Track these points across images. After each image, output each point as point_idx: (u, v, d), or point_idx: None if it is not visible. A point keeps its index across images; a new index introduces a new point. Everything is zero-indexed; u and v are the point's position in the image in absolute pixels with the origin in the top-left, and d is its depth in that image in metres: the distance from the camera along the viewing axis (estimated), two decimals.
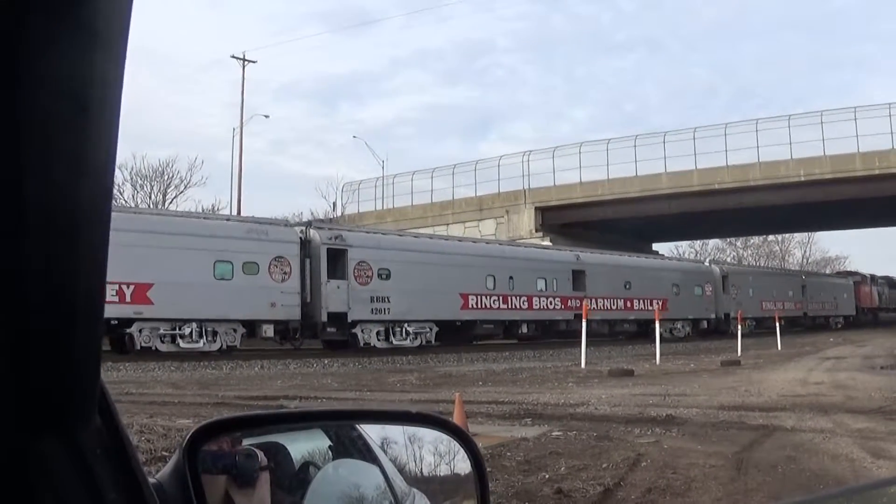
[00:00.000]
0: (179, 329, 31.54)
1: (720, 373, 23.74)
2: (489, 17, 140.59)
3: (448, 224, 59.37)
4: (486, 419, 13.39)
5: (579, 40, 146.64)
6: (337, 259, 36.50)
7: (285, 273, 34.57)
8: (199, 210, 56.88)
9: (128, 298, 29.56)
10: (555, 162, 59.44)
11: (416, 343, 38.77)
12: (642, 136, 57.98)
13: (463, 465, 1.96)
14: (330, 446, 1.96)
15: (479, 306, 42.40)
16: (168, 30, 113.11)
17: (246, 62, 59.72)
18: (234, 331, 33.36)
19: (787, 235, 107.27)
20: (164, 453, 8.78)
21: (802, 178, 50.70)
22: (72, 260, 1.02)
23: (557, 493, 7.77)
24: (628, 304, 50.65)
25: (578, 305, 40.89)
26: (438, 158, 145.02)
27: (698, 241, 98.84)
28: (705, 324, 56.26)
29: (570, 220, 59.13)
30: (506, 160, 61.70)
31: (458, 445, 1.97)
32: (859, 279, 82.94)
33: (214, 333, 32.61)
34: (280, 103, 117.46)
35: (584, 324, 28.37)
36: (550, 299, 46.05)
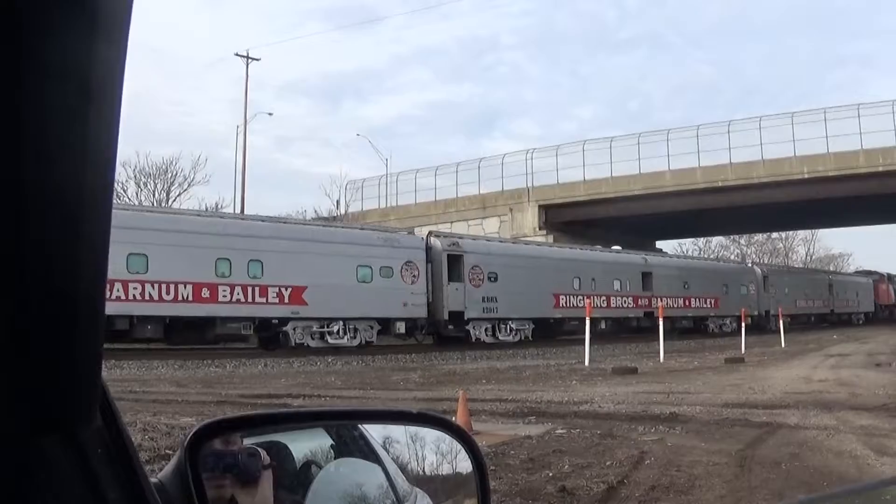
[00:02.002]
0: (328, 327, 35.65)
1: (724, 370, 23.72)
2: (493, 13, 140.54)
3: (452, 222, 59.34)
4: (490, 417, 13.39)
5: (584, 37, 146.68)
6: (454, 264, 40.99)
7: (414, 276, 39.10)
8: (204, 208, 56.81)
9: (286, 300, 34.09)
10: (558, 160, 59.41)
11: (517, 339, 42.79)
12: (646, 133, 57.95)
13: (465, 464, 1.96)
14: (332, 445, 1.96)
15: (568, 305, 46.34)
16: (171, 27, 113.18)
17: (250, 60, 59.75)
18: (371, 328, 37.54)
19: (790, 233, 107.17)
20: (168, 451, 8.79)
21: (806, 176, 50.64)
22: (72, 259, 1.02)
23: (561, 491, 7.77)
24: (686, 303, 54.93)
25: (647, 304, 50.51)
26: (442, 156, 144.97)
27: (702, 239, 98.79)
28: (749, 320, 55.65)
29: (573, 218, 59.10)
30: (509, 158, 61.74)
31: (459, 444, 1.97)
32: (878, 278, 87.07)
33: (355, 330, 36.71)
34: (283, 100, 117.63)
35: (587, 322, 28.42)
36: (624, 298, 50.48)
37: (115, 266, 28.60)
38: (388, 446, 2.01)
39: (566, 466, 8.90)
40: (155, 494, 1.25)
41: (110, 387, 1.22)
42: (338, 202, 69.98)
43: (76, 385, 1.09)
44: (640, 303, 51.26)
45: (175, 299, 31.51)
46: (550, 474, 8.53)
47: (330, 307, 35.51)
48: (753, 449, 9.88)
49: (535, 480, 8.26)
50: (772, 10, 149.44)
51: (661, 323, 31.01)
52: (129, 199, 57.59)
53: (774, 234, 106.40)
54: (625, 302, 50.40)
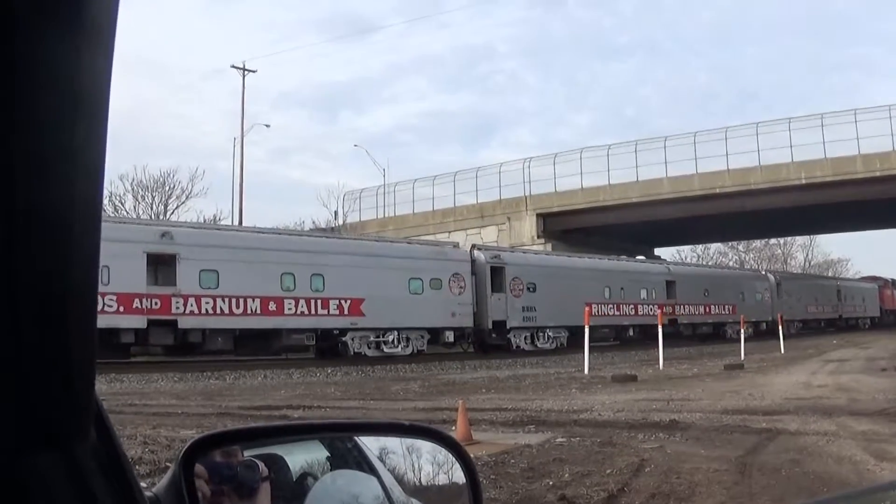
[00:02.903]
0: (383, 336, 37.53)
1: (723, 377, 23.72)
2: (489, 22, 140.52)
3: (450, 231, 59.33)
4: (490, 426, 13.39)
5: (579, 45, 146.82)
6: (496, 275, 43.04)
7: (461, 287, 41.11)
8: (202, 221, 56.84)
9: (345, 311, 36.17)
10: (556, 168, 59.34)
11: (553, 346, 44.42)
12: (643, 140, 57.86)
13: (461, 475, 1.97)
14: (328, 457, 1.97)
15: (600, 314, 46.56)
16: (166, 40, 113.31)
17: (246, 71, 59.80)
18: (422, 337, 39.31)
19: (788, 238, 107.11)
20: (168, 464, 8.75)
21: (804, 181, 50.59)
22: (63, 273, 1.02)
23: (562, 500, 7.77)
24: (707, 310, 56.87)
25: (672, 311, 52.52)
26: (439, 165, 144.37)
27: (700, 246, 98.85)
28: (764, 325, 60.08)
29: (571, 227, 59.05)
30: (507, 167, 61.71)
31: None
32: (882, 283, 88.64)
33: (407, 339, 38.53)
34: (280, 111, 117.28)
35: (587, 330, 28.52)
36: (650, 306, 51.18)
37: (189, 282, 31.82)
38: (384, 458, 2.02)
39: (566, 475, 8.90)
40: None
41: (110, 400, 1.23)
42: (336, 213, 70.08)
43: (70, 400, 1.10)
44: (664, 310, 50.53)
45: (244, 313, 33.30)
46: (550, 483, 8.52)
47: (385, 318, 37.34)
48: (753, 455, 9.88)
49: (535, 489, 8.25)
50: (768, 15, 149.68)
51: (660, 330, 31.04)
52: (127, 212, 57.63)
53: (772, 240, 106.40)
54: (651, 310, 51.14)
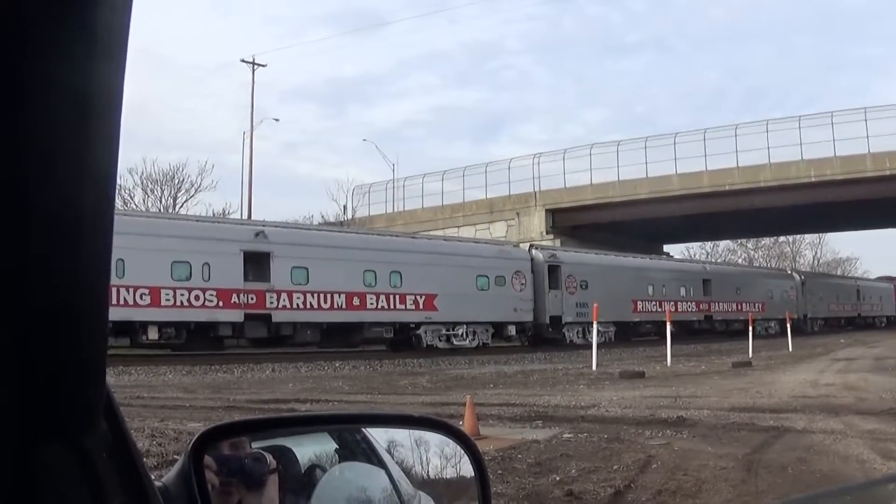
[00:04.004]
0: (453, 330, 40.38)
1: (731, 374, 23.68)
2: (499, 18, 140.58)
3: (459, 227, 59.33)
4: (498, 421, 13.40)
5: (590, 42, 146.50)
6: (553, 273, 45.81)
7: (522, 285, 43.95)
8: (211, 214, 56.87)
9: (420, 306, 38.98)
10: (565, 164, 59.41)
11: (602, 340, 43.39)
12: (653, 137, 57.82)
13: (469, 468, 1.97)
14: (336, 449, 1.97)
15: (644, 310, 51.43)
16: (175, 34, 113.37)
17: (256, 66, 59.81)
18: (486, 331, 42.24)
19: (797, 237, 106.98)
20: (176, 457, 8.74)
21: (813, 179, 50.51)
22: (75, 265, 1.02)
23: (568, 496, 7.77)
24: (739, 307, 58.87)
25: (707, 308, 56.47)
26: (449, 160, 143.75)
27: (709, 243, 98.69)
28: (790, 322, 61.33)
29: (580, 222, 59.03)
30: (516, 162, 61.66)
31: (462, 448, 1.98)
32: None
33: (474, 333, 41.45)
34: (289, 105, 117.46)
35: (594, 326, 28.55)
36: (688, 303, 55.44)
37: (282, 278, 34.26)
38: (392, 450, 2.02)
39: (573, 471, 8.90)
40: (159, 498, 1.26)
41: (118, 392, 1.23)
42: (345, 207, 70.13)
43: (81, 391, 1.10)
44: (700, 307, 56.31)
45: (331, 307, 36.11)
46: (557, 478, 8.52)
47: (455, 312, 40.25)
48: (760, 453, 9.86)
49: (542, 485, 8.25)
50: (778, 13, 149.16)
51: (668, 327, 30.97)
52: (136, 206, 57.69)
53: (781, 238, 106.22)
54: (689, 307, 55.22)
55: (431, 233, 51.99)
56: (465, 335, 40.91)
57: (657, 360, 30.34)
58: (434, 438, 2.03)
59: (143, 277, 30.22)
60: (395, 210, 65.92)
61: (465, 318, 40.87)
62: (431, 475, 2.05)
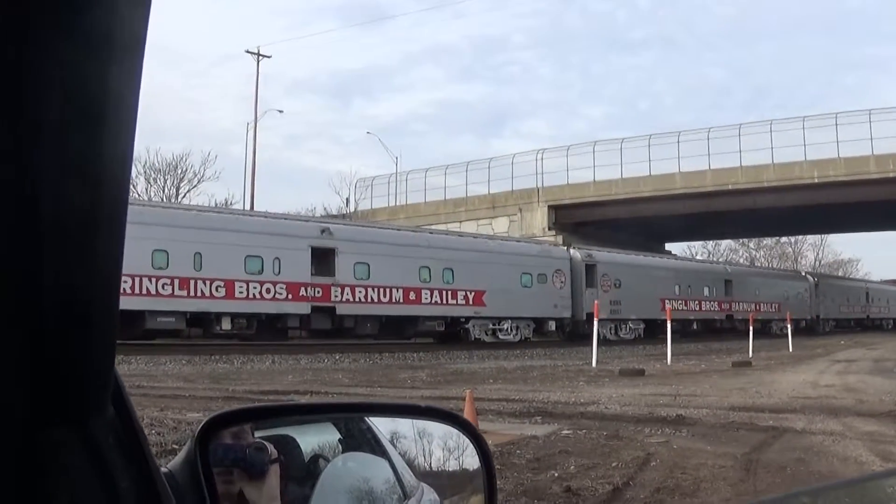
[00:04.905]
0: (499, 324, 42.87)
1: (731, 374, 23.69)
2: (504, 13, 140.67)
3: (461, 221, 59.31)
4: (497, 417, 13.40)
5: (595, 37, 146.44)
6: (589, 272, 48.14)
7: (562, 282, 46.40)
8: (214, 204, 56.90)
9: (470, 301, 41.56)
10: (568, 160, 59.32)
11: (632, 336, 49.38)
12: (656, 135, 57.71)
13: (472, 460, 1.97)
14: (340, 439, 1.97)
15: (671, 308, 48.32)
16: (180, 24, 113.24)
17: (260, 57, 59.76)
18: (528, 326, 44.58)
19: (799, 237, 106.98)
20: (175, 446, 8.80)
21: (816, 180, 50.45)
22: (87, 254, 1.02)
23: (567, 492, 7.78)
24: (757, 307, 60.14)
25: (728, 307, 59.21)
26: (452, 155, 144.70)
27: (711, 242, 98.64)
28: (804, 323, 66.48)
29: (582, 219, 59.01)
30: (519, 158, 61.63)
31: (467, 440, 1.98)
32: None
33: (517, 328, 43.78)
34: (293, 98, 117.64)
35: (595, 323, 28.56)
36: (712, 302, 58.40)
37: (345, 273, 36.76)
38: (395, 441, 2.02)
39: (572, 467, 8.91)
40: (165, 485, 1.27)
41: None
42: (347, 200, 70.17)
43: (89, 376, 1.11)
44: (722, 307, 59.14)
45: (390, 301, 38.47)
46: (556, 474, 8.53)
47: (502, 308, 42.64)
48: (759, 453, 9.87)
49: (540, 480, 8.26)
50: (784, 12, 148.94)
51: (668, 325, 30.97)
52: (139, 195, 57.71)
53: (783, 239, 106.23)
54: (712, 306, 58.25)
55: (434, 227, 51.99)
56: (509, 330, 43.15)
57: (657, 359, 30.38)
58: (437, 430, 2.03)
59: (218, 271, 32.42)
60: (398, 204, 65.90)
61: (511, 314, 43.16)
62: (434, 467, 2.06)
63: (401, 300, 38.81)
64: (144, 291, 30.26)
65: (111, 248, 1.07)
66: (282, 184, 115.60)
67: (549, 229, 58.01)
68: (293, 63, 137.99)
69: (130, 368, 22.81)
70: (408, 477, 1.97)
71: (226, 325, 33.31)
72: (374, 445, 2.00)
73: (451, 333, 41.62)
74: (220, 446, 1.60)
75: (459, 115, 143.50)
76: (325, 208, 71.62)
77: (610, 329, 48.03)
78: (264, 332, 34.93)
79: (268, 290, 34.26)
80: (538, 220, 58.66)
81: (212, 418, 1.59)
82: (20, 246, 0.95)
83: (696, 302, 56.87)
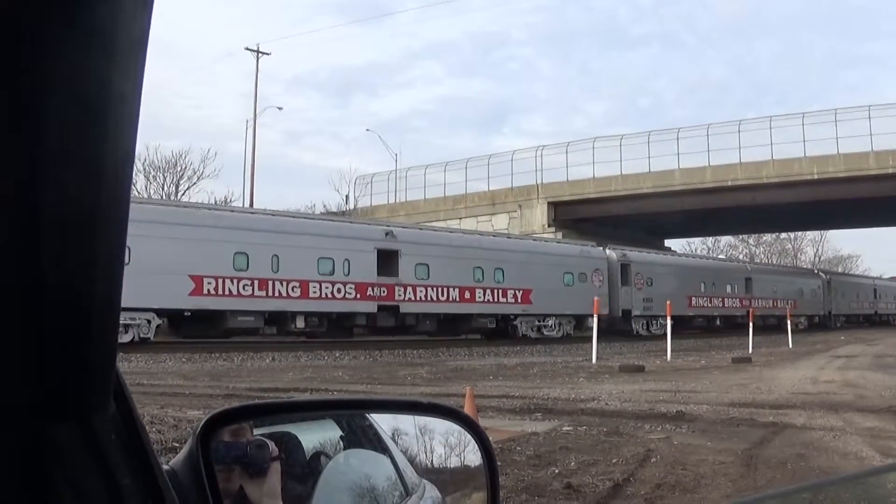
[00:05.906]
0: (543, 321, 44.85)
1: (731, 370, 23.67)
2: (505, 9, 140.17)
3: (461, 218, 59.28)
4: (497, 413, 13.42)
5: (595, 34, 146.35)
6: (624, 271, 50.36)
7: (601, 281, 48.14)
8: (213, 202, 56.87)
9: (518, 300, 43.64)
10: (568, 157, 59.22)
11: (660, 332, 47.83)
12: (656, 132, 57.63)
13: (473, 457, 1.96)
14: (341, 436, 1.97)
15: (697, 305, 56.61)
16: (180, 20, 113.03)
17: (260, 54, 59.73)
18: (570, 323, 46.50)
19: (799, 233, 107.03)
20: (175, 444, 8.79)
21: (816, 176, 50.41)
22: (90, 252, 1.03)
23: (567, 488, 7.79)
24: (775, 304, 63.91)
25: (749, 304, 57.39)
26: (452, 151, 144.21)
27: (710, 238, 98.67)
28: (816, 319, 70.48)
29: (582, 216, 58.95)
30: (519, 154, 61.60)
31: (468, 437, 1.97)
32: None
33: (560, 325, 45.78)
34: (293, 94, 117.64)
35: (595, 319, 28.60)
36: (734, 299, 60.80)
37: (407, 273, 38.96)
38: (396, 438, 2.02)
39: (572, 463, 8.91)
40: (167, 481, 1.26)
41: None
42: (347, 197, 70.17)
43: (91, 372, 1.10)
44: (743, 303, 59.56)
45: (447, 300, 40.65)
46: (556, 471, 8.54)
47: (547, 306, 44.72)
48: (759, 449, 9.88)
49: (541, 477, 8.27)
50: (785, 9, 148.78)
51: (668, 321, 30.99)
52: (139, 193, 57.69)
53: (783, 235, 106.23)
54: (734, 303, 60.48)
55: (434, 224, 52.21)
56: (553, 326, 45.19)
57: (657, 355, 30.39)
58: (439, 427, 2.02)
59: (294, 272, 34.34)
60: (398, 201, 65.85)
61: (555, 311, 45.17)
62: (436, 463, 2.05)
63: (457, 298, 40.91)
64: (227, 292, 32.29)
65: (113, 246, 1.07)
66: (281, 181, 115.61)
67: (549, 226, 57.99)
68: (293, 60, 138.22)
69: (130, 366, 22.80)
70: (409, 474, 1.97)
71: (300, 323, 35.18)
72: (375, 442, 2.00)
73: (500, 330, 43.31)
74: (222, 444, 1.60)
75: (459, 111, 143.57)
76: (324, 205, 71.64)
77: (643, 325, 51.07)
78: (333, 329, 36.91)
79: (338, 290, 36.27)
80: (538, 216, 58.62)
81: (213, 416, 1.59)
82: (22, 244, 0.95)
83: (720, 299, 59.15)
